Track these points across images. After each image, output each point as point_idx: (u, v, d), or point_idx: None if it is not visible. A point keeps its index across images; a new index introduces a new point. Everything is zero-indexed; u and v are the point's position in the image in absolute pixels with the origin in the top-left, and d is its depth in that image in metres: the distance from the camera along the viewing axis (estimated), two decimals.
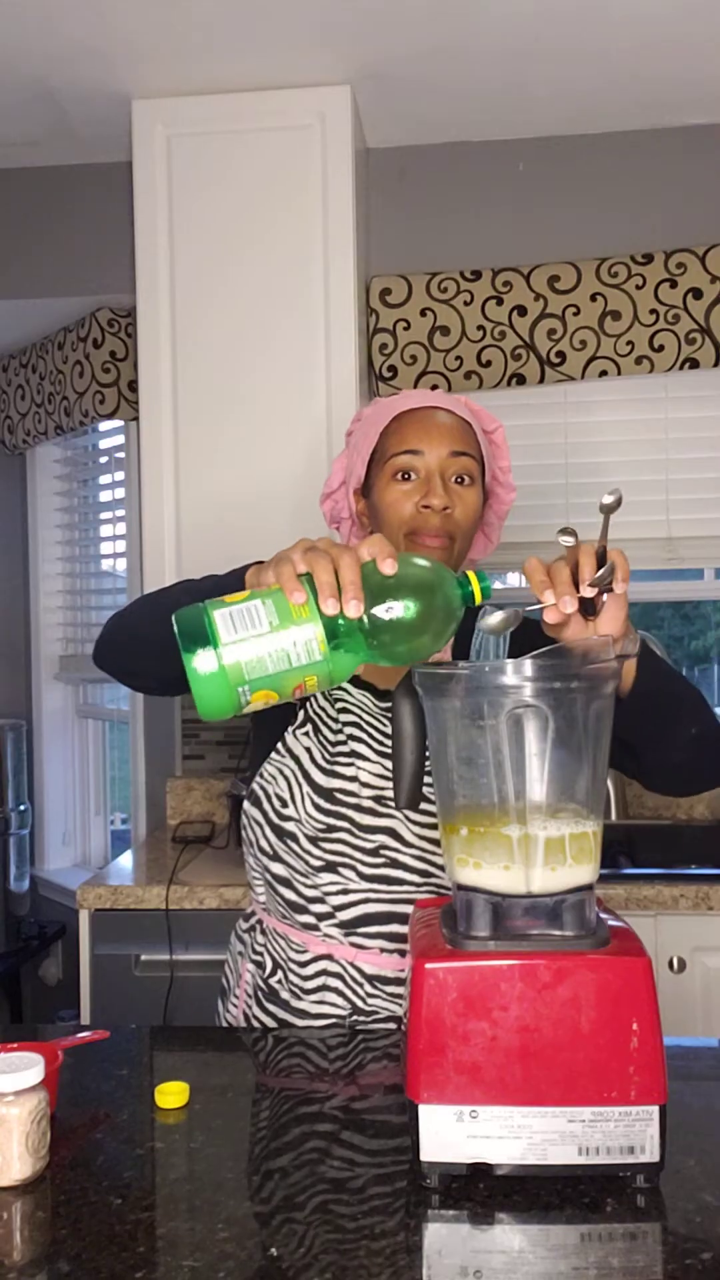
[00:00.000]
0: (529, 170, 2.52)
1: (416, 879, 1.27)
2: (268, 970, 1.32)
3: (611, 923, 0.94)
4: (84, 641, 3.10)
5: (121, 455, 2.82)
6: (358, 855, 1.27)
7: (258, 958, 1.34)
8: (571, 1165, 0.86)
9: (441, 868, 1.27)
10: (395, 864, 1.26)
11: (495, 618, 0.95)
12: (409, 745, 1.05)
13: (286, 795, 1.29)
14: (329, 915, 1.27)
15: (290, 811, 1.29)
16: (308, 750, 1.30)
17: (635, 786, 2.57)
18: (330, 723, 1.30)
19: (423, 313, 2.47)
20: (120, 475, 2.84)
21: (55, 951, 3.06)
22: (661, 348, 2.40)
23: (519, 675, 0.90)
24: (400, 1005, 1.26)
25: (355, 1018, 1.26)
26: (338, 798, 1.28)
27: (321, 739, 1.30)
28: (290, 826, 1.29)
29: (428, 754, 1.03)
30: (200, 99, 2.27)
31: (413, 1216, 0.84)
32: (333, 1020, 1.27)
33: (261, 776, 1.32)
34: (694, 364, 2.40)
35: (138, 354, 2.32)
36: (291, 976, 1.30)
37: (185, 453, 2.29)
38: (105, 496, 2.99)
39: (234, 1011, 1.37)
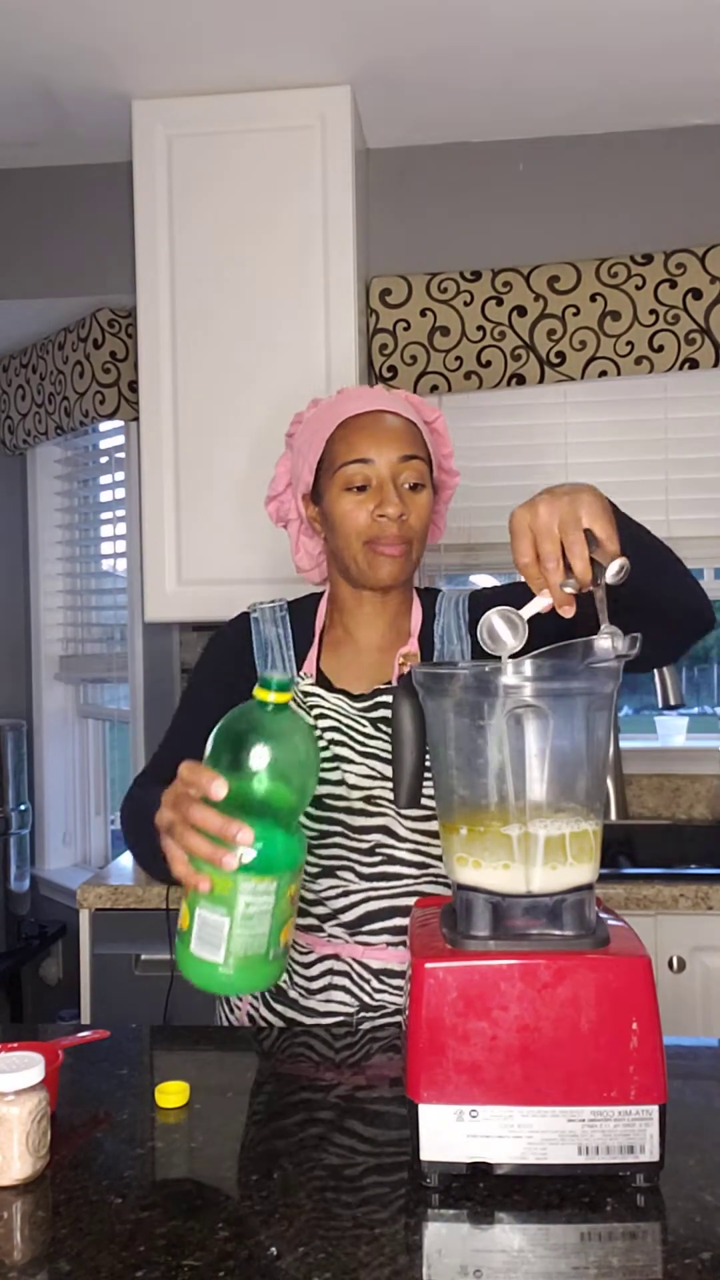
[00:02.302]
0: (529, 170, 2.52)
1: (414, 872, 1.27)
2: None
3: (611, 922, 0.94)
4: (84, 641, 3.11)
5: (121, 455, 2.82)
6: (354, 856, 1.27)
7: None
8: (571, 1165, 0.86)
9: (437, 857, 1.28)
10: (392, 860, 1.27)
11: (505, 632, 0.97)
12: (409, 745, 1.05)
13: None
14: (331, 916, 1.27)
15: None
16: None
17: (635, 786, 2.57)
18: None
19: (423, 313, 2.47)
20: (120, 475, 2.85)
21: (55, 951, 3.06)
22: (661, 348, 2.40)
23: (519, 675, 0.90)
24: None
25: (362, 1014, 1.26)
26: (327, 803, 1.28)
27: None
28: None
29: (427, 754, 1.03)
30: (200, 99, 2.27)
31: (413, 1216, 0.84)
32: (341, 1018, 1.27)
33: None
34: (694, 364, 2.40)
35: (138, 354, 2.32)
36: (296, 978, 1.30)
37: (185, 453, 2.29)
38: (105, 496, 3.00)
39: (238, 1014, 1.36)
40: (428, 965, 0.88)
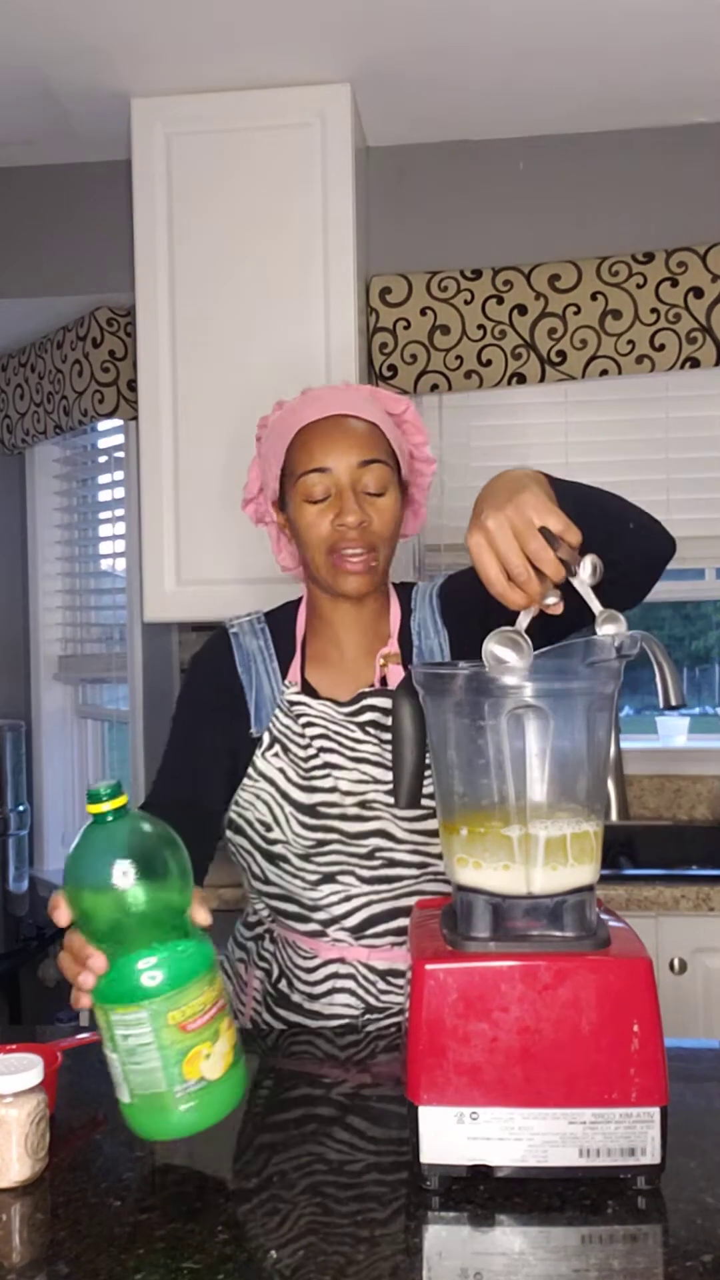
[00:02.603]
0: (529, 170, 2.52)
1: (414, 872, 1.27)
2: (274, 976, 1.32)
3: (612, 924, 0.94)
4: (84, 641, 3.10)
5: (121, 455, 2.82)
6: (354, 861, 1.26)
7: (265, 965, 1.34)
8: (572, 1167, 0.86)
9: (437, 855, 1.28)
10: (392, 863, 1.26)
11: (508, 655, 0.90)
12: (409, 745, 1.05)
13: (270, 819, 1.29)
14: (334, 922, 1.27)
15: (277, 834, 1.28)
16: (281, 771, 1.29)
17: (636, 787, 2.57)
18: (298, 739, 1.30)
19: (423, 312, 2.47)
20: (120, 475, 2.84)
21: (54, 953, 3.06)
22: (662, 347, 2.40)
23: (519, 675, 0.89)
24: None
25: (367, 1016, 1.26)
26: (322, 812, 1.27)
27: (292, 757, 1.29)
28: (279, 849, 1.28)
29: (428, 754, 1.03)
30: (200, 98, 2.27)
31: (413, 1218, 0.83)
32: (346, 1021, 1.26)
33: (238, 804, 1.31)
34: (695, 363, 2.39)
35: (137, 353, 2.32)
36: (299, 983, 1.29)
37: (185, 452, 2.29)
38: (105, 496, 2.99)
39: (240, 1019, 1.36)
40: (428, 966, 0.88)
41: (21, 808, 2.95)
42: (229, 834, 1.33)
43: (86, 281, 2.62)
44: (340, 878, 1.26)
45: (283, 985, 1.30)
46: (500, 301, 2.45)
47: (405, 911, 1.26)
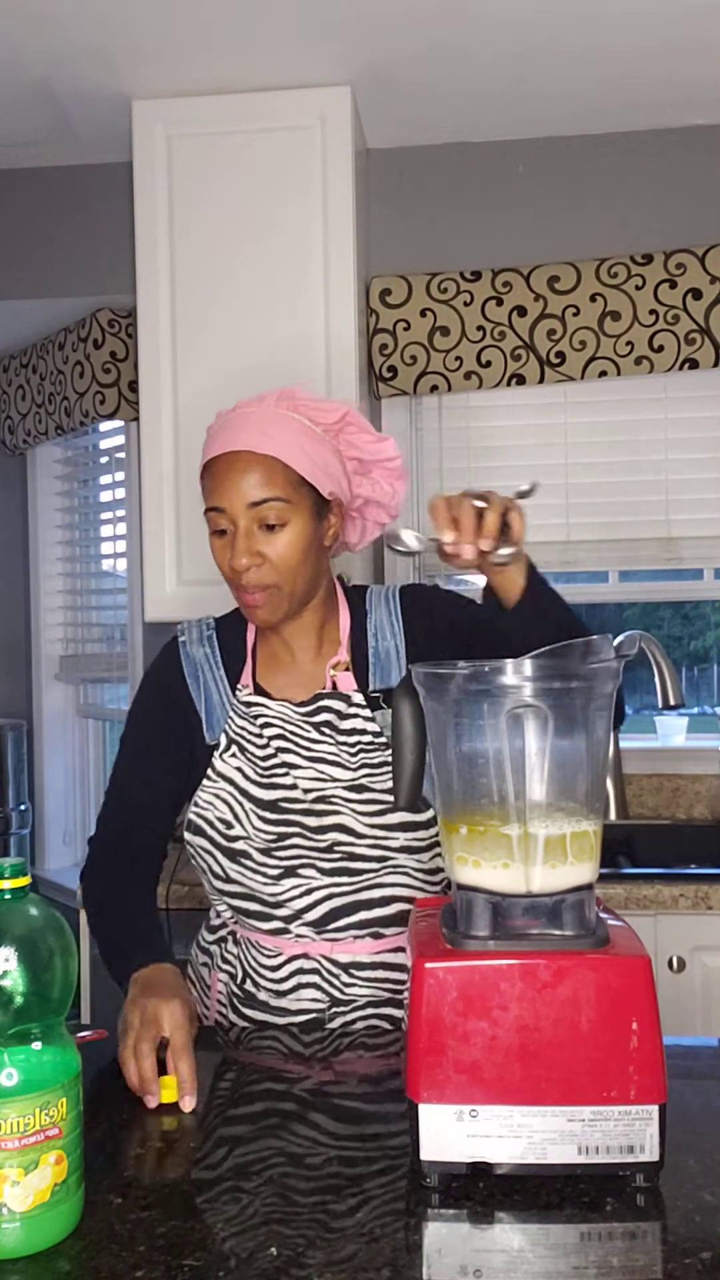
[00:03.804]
0: (529, 170, 2.52)
1: (374, 865, 1.28)
2: (240, 978, 1.33)
3: (611, 922, 0.94)
4: (84, 641, 3.11)
5: (122, 455, 2.82)
6: (314, 854, 1.28)
7: (229, 968, 1.35)
8: (571, 1164, 0.86)
9: (397, 849, 1.29)
10: (352, 856, 1.28)
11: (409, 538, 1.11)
12: (409, 745, 1.05)
13: (230, 816, 1.31)
14: (296, 916, 1.28)
15: (237, 831, 1.30)
16: (239, 770, 1.32)
17: (635, 786, 2.57)
18: (254, 739, 1.32)
19: (423, 313, 2.47)
20: (120, 475, 2.85)
21: None
22: (661, 348, 2.40)
23: (519, 675, 0.90)
24: (379, 989, 1.27)
25: (333, 1009, 1.27)
26: (282, 806, 1.29)
27: (250, 757, 1.32)
28: (240, 845, 1.30)
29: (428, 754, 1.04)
30: (200, 99, 2.27)
31: (413, 1215, 0.84)
32: (313, 1015, 1.27)
33: (197, 805, 1.33)
34: (693, 364, 2.40)
35: (138, 354, 2.32)
36: (264, 981, 1.30)
37: (185, 453, 2.29)
38: (105, 496, 3.00)
39: (206, 1020, 1.37)
40: (428, 965, 0.88)
41: (23, 807, 2.95)
42: (188, 835, 1.35)
43: (88, 283, 2.62)
44: (301, 871, 1.28)
45: (248, 985, 1.32)
46: (500, 303, 2.45)
47: (366, 904, 1.28)
